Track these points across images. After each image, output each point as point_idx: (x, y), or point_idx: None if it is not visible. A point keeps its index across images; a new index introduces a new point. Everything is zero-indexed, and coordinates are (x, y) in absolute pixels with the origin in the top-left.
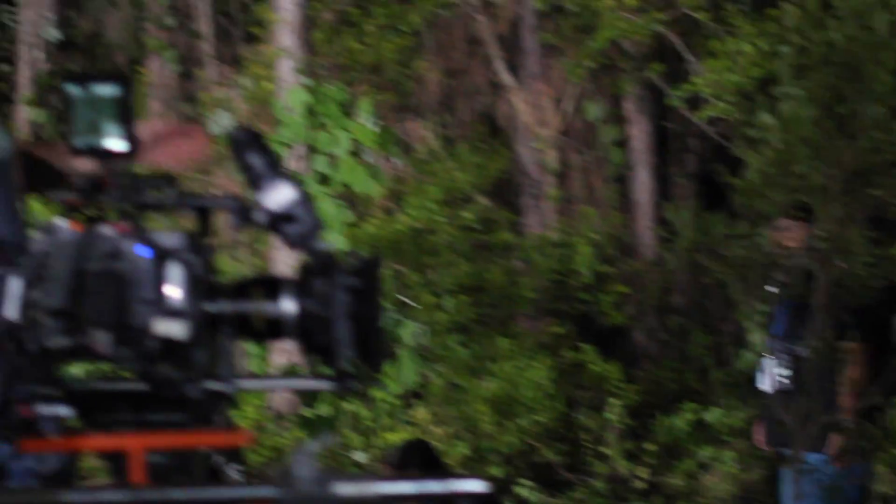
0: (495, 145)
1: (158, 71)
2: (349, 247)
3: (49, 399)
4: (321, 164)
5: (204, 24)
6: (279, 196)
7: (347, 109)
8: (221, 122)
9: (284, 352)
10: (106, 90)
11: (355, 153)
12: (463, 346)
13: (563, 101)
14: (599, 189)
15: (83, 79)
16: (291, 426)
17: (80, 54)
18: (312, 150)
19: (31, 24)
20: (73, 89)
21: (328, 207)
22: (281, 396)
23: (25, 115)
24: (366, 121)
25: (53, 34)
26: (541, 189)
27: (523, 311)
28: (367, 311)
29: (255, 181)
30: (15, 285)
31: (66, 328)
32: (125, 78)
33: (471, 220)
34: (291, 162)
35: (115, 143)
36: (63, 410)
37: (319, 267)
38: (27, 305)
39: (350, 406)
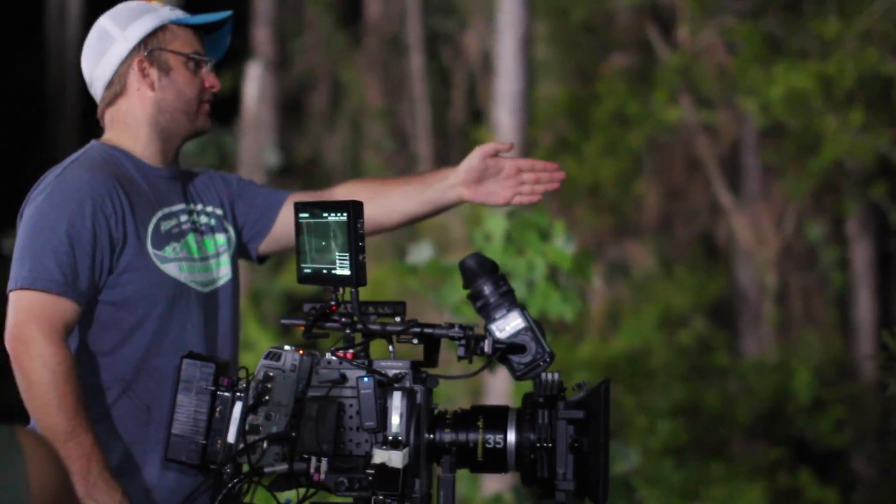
0: (714, 266)
1: None
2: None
3: None
4: (519, 290)
5: (422, 146)
6: (508, 325)
7: (546, 233)
8: (422, 252)
9: (495, 479)
10: (334, 219)
11: (553, 277)
12: (677, 469)
13: (784, 222)
14: (819, 311)
15: (313, 208)
16: None
17: (298, 178)
18: (510, 276)
19: (251, 150)
20: (302, 217)
21: None
22: None
23: None
24: (563, 244)
25: (273, 159)
26: (759, 311)
27: (739, 434)
28: (592, 444)
29: (485, 309)
30: (237, 410)
31: (284, 453)
32: (354, 207)
33: (687, 341)
34: None
35: (343, 269)
36: None
37: (543, 398)
38: (248, 430)
39: None
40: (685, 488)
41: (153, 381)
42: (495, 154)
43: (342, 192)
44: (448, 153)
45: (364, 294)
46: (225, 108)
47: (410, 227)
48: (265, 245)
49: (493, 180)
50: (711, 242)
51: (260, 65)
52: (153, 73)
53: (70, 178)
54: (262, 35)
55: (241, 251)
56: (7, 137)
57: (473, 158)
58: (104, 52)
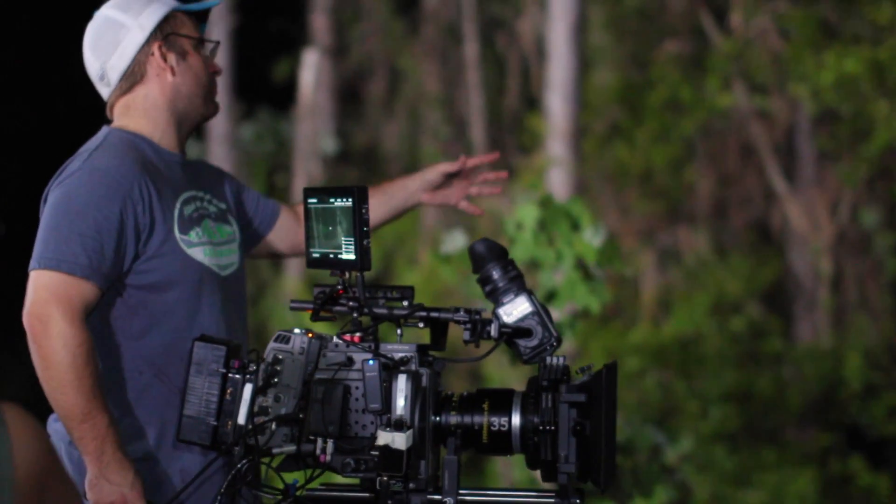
0: (767, 253)
1: None
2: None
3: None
4: (547, 280)
5: (477, 134)
6: (516, 310)
7: (577, 223)
8: (456, 240)
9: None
10: (340, 204)
11: (582, 267)
12: (728, 455)
13: (838, 208)
14: (874, 297)
15: (321, 193)
16: None
17: (355, 165)
18: (538, 265)
19: (308, 137)
20: (311, 202)
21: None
22: None
23: None
24: (591, 236)
25: (330, 146)
26: (814, 297)
27: (791, 420)
28: (594, 428)
29: (493, 294)
30: (247, 392)
31: (292, 435)
32: (359, 192)
33: (740, 328)
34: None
35: (348, 254)
36: None
37: (547, 382)
38: (257, 412)
39: None
40: (736, 474)
41: (184, 364)
42: (452, 171)
43: None
44: (502, 140)
45: (417, 281)
46: (281, 94)
47: (445, 216)
48: (257, 250)
49: (448, 186)
50: (765, 229)
51: (317, 52)
52: (172, 58)
53: (98, 163)
54: (319, 22)
55: (243, 245)
56: (73, 128)
57: (433, 175)
58: (118, 42)
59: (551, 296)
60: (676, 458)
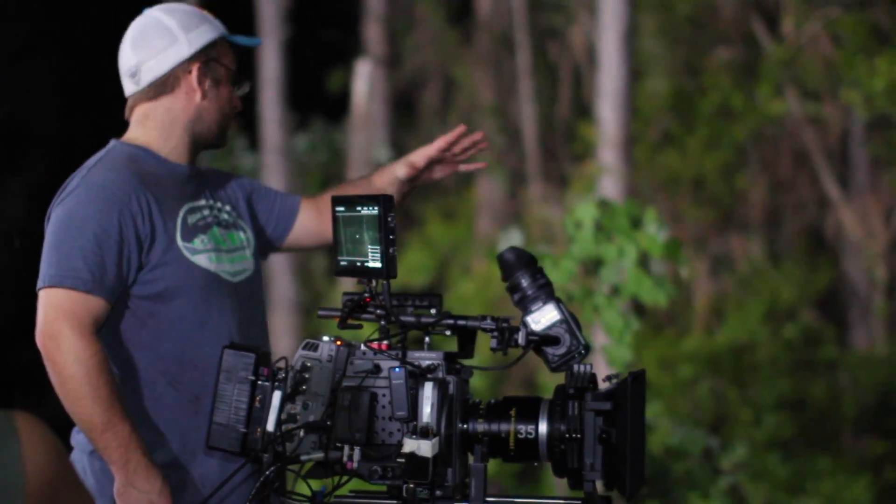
0: (821, 259)
1: (488, 189)
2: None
3: None
4: (610, 276)
5: (530, 143)
6: (544, 318)
7: (637, 221)
8: (511, 239)
9: None
10: (366, 212)
11: (644, 264)
12: (782, 463)
13: (893, 214)
14: None
15: (348, 201)
16: None
17: None
18: (601, 263)
19: (362, 147)
20: (338, 210)
21: (614, 320)
22: None
23: None
24: (654, 231)
25: (384, 155)
26: (868, 304)
27: (846, 428)
28: (620, 436)
29: (521, 302)
30: (276, 399)
31: (320, 442)
32: (385, 200)
33: (794, 335)
34: (581, 277)
35: (375, 262)
36: None
37: (574, 390)
38: (286, 419)
39: None
40: (791, 482)
41: (198, 372)
42: (435, 154)
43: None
44: (555, 148)
45: (471, 290)
46: (335, 105)
47: (499, 223)
48: (287, 244)
49: (431, 170)
50: (819, 235)
51: (370, 62)
52: (207, 82)
53: (95, 178)
54: (372, 32)
55: (261, 249)
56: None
57: (418, 158)
58: (164, 48)
59: (616, 291)
60: (730, 465)
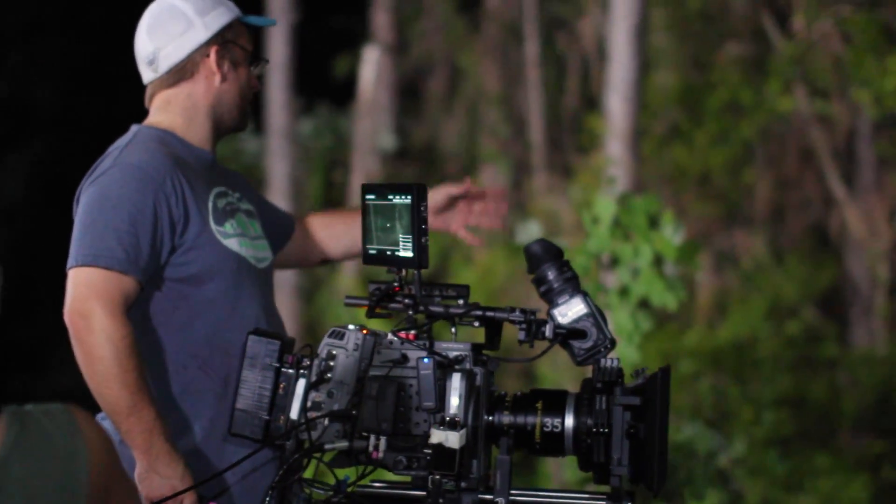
0: (824, 257)
1: (492, 179)
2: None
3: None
4: (624, 276)
5: (536, 133)
6: (570, 311)
7: (654, 220)
8: (530, 231)
9: None
10: (399, 201)
11: (658, 264)
12: (781, 460)
13: None
14: None
15: (379, 189)
16: None
17: (414, 162)
18: (616, 261)
19: (367, 133)
20: (369, 198)
21: (624, 319)
22: None
23: None
24: (671, 233)
25: (389, 142)
26: (870, 303)
27: (845, 426)
28: (648, 431)
29: (548, 294)
30: (300, 387)
31: (345, 431)
32: (418, 190)
33: (795, 332)
34: (598, 273)
35: (406, 251)
36: None
37: (602, 384)
38: (310, 407)
39: None
40: (789, 479)
41: (227, 356)
42: (458, 194)
43: (315, 221)
44: (561, 139)
45: (473, 279)
46: (341, 90)
47: (519, 209)
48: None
49: (450, 209)
50: (823, 233)
51: (377, 49)
52: (225, 64)
53: (129, 159)
54: (380, 19)
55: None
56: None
57: (439, 196)
58: (180, 33)
59: (626, 291)
60: (728, 462)
